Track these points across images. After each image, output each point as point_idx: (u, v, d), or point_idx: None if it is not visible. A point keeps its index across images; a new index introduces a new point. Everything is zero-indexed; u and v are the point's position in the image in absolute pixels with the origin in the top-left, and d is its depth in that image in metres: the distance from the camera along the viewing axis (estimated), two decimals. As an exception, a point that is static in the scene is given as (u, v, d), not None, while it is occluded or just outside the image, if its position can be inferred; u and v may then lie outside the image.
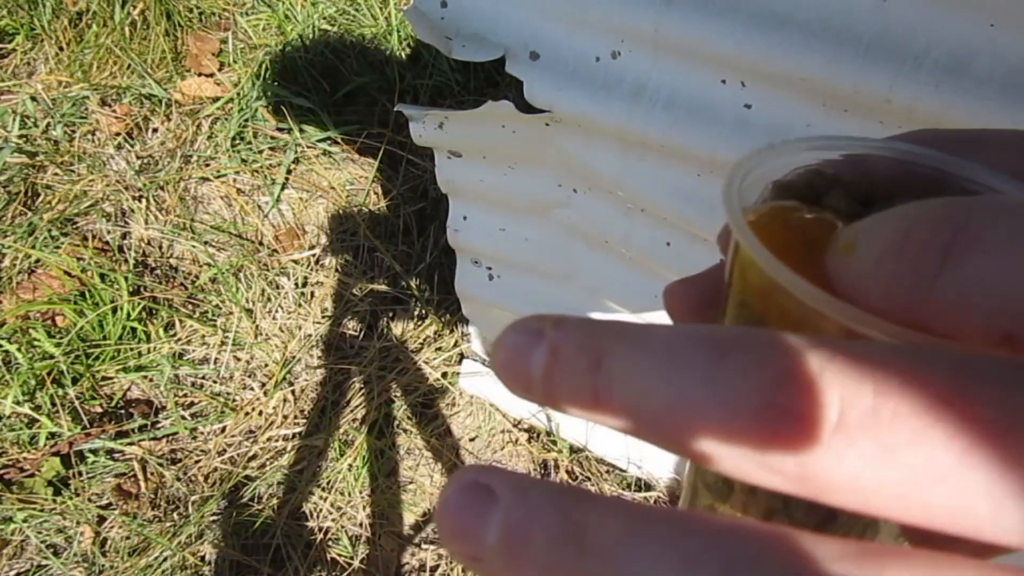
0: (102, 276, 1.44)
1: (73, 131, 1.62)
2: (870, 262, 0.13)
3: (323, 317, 1.46)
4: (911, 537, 0.17)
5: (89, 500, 1.28)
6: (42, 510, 1.26)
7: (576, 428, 1.28)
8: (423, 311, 1.45)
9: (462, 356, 1.41)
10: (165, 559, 1.23)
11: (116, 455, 1.33)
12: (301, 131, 1.59)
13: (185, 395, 1.40)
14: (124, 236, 1.53)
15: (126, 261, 1.48)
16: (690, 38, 0.65)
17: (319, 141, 1.59)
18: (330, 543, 1.27)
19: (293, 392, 1.39)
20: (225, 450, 1.34)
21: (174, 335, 1.44)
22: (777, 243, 0.16)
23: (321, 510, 1.29)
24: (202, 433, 1.37)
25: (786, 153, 0.19)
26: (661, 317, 0.99)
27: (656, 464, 1.23)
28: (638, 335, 0.13)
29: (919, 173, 0.18)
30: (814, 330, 0.15)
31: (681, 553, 0.11)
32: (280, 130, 1.60)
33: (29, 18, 1.71)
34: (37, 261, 1.46)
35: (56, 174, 1.55)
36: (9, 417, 1.32)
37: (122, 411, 1.38)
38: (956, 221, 0.12)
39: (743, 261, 0.18)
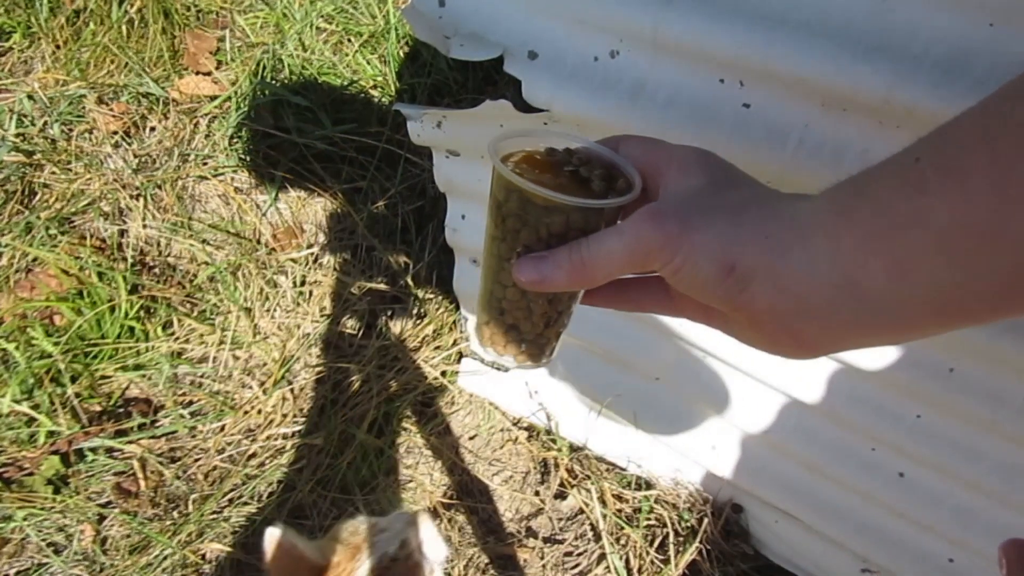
0: (100, 275, 1.43)
1: (70, 129, 1.61)
2: None
3: (322, 316, 1.46)
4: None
5: (89, 498, 1.28)
6: (42, 508, 1.26)
7: (576, 426, 1.28)
8: (422, 310, 1.45)
9: (461, 355, 1.41)
10: (165, 557, 1.23)
11: (115, 453, 1.33)
12: (299, 129, 1.58)
13: (184, 394, 1.40)
14: (122, 234, 1.53)
15: (124, 260, 1.48)
16: (689, 38, 0.65)
17: (317, 139, 1.59)
18: (330, 542, 1.27)
19: (292, 391, 1.39)
20: (224, 448, 1.35)
21: (172, 334, 1.43)
22: (521, 168, 0.38)
23: (321, 508, 1.29)
24: (201, 431, 1.37)
25: (547, 135, 0.41)
26: (661, 318, 0.99)
27: (656, 463, 1.23)
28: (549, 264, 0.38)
29: (602, 155, 0.40)
30: (530, 204, 0.37)
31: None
32: (278, 128, 1.59)
33: (26, 16, 1.71)
34: (35, 259, 1.46)
35: (53, 172, 1.55)
36: (8, 416, 1.31)
37: (121, 410, 1.38)
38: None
39: (496, 178, 0.39)
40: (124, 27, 1.69)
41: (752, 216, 0.33)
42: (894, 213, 0.29)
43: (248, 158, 1.60)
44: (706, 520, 1.17)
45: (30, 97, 1.62)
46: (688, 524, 1.20)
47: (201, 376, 1.41)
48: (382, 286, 1.48)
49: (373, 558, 0.72)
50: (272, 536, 0.73)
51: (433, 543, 0.78)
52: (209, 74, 1.68)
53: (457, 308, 1.42)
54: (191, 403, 1.39)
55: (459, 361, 1.40)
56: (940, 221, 0.27)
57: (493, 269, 0.41)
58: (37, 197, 1.53)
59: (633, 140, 0.40)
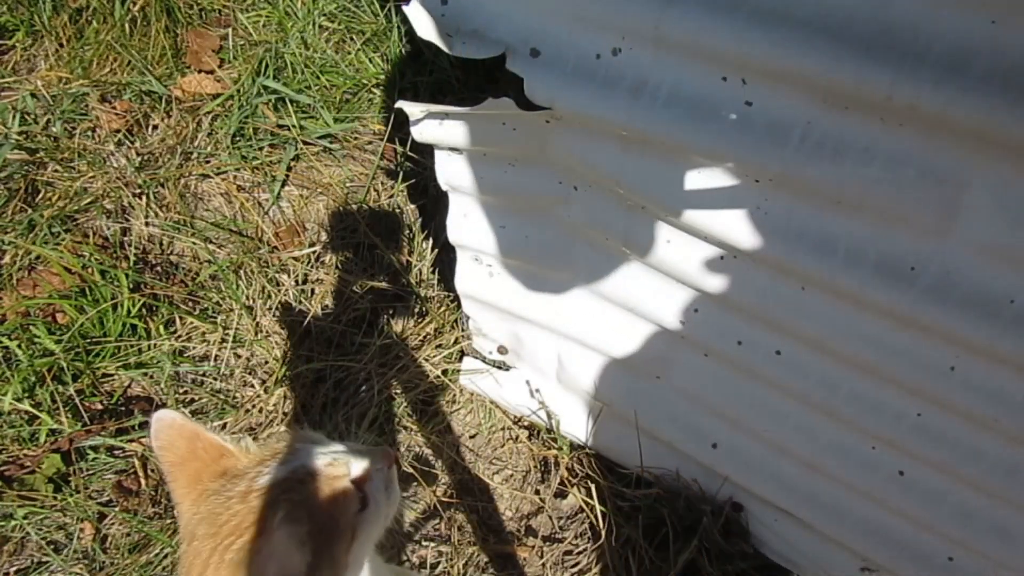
0: (102, 273, 1.44)
1: (73, 128, 1.61)
2: None
3: (323, 314, 1.46)
4: None
5: (90, 497, 1.28)
6: (42, 507, 1.26)
7: (576, 425, 1.28)
8: (423, 308, 1.45)
9: (462, 353, 1.41)
10: (166, 556, 1.23)
11: (117, 452, 1.34)
12: (301, 128, 1.59)
13: (185, 392, 1.40)
14: (124, 233, 1.53)
15: (126, 258, 1.48)
16: (691, 35, 0.65)
17: (319, 138, 1.59)
18: (330, 540, 1.27)
19: (293, 389, 1.39)
20: (225, 447, 1.35)
21: (174, 332, 1.44)
22: None
23: (321, 507, 1.29)
24: (202, 430, 1.37)
25: None
26: (662, 318, 0.99)
27: (655, 461, 1.23)
28: None
29: None
30: None
31: None
32: (280, 127, 1.60)
33: (29, 14, 1.71)
34: (38, 258, 1.46)
35: (56, 171, 1.55)
36: (9, 414, 1.32)
37: (122, 408, 1.38)
38: None
39: None
40: (127, 25, 1.70)
41: None
42: None
43: (250, 156, 1.60)
44: (705, 519, 1.17)
45: (33, 95, 1.62)
46: (687, 523, 1.20)
47: (203, 374, 1.42)
48: (384, 284, 1.48)
49: (286, 467, 0.57)
50: (161, 419, 0.60)
51: (381, 487, 0.62)
52: (212, 72, 1.69)
53: (459, 307, 1.42)
54: (192, 401, 1.39)
55: (460, 360, 1.40)
56: None
57: None
58: (40, 195, 1.54)
59: None
